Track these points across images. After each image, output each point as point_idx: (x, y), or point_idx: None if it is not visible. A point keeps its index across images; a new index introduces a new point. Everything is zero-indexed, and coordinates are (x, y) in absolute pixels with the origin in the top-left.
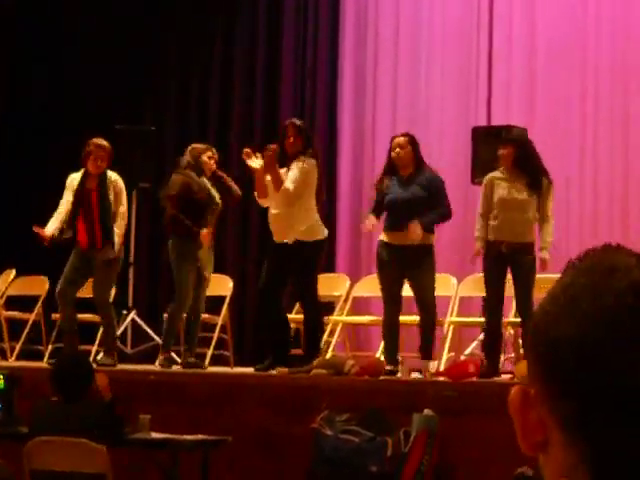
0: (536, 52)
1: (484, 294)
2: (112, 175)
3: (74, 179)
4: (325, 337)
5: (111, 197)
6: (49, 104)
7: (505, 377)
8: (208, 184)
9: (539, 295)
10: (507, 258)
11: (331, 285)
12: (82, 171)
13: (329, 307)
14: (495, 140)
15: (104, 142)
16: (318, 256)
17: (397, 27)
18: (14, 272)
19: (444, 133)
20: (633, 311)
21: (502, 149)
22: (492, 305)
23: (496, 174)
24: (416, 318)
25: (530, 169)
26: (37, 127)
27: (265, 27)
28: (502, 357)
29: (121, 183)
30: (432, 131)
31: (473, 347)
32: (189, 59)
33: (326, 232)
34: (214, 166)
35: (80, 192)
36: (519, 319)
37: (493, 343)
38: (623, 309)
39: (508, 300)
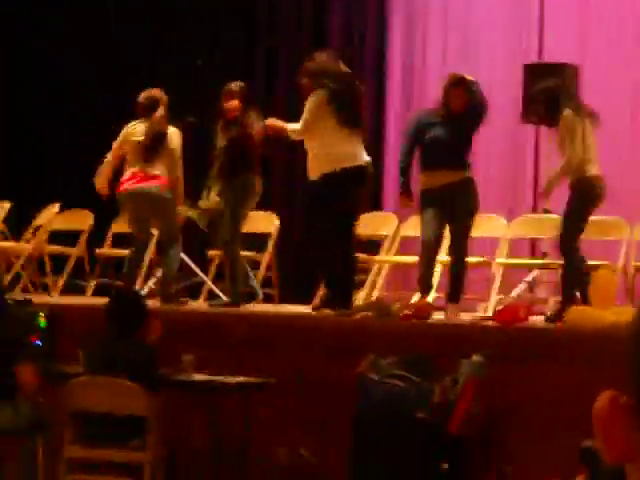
0: None
1: (533, 235)
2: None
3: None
4: (371, 277)
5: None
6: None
7: (553, 322)
8: None
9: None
10: None
11: (378, 224)
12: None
13: (376, 246)
14: (547, 78)
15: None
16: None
17: None
18: (58, 206)
19: (495, 69)
20: None
21: None
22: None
23: None
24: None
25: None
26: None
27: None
28: (551, 299)
29: None
30: (483, 67)
31: (521, 289)
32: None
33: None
34: None
35: None
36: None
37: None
38: None
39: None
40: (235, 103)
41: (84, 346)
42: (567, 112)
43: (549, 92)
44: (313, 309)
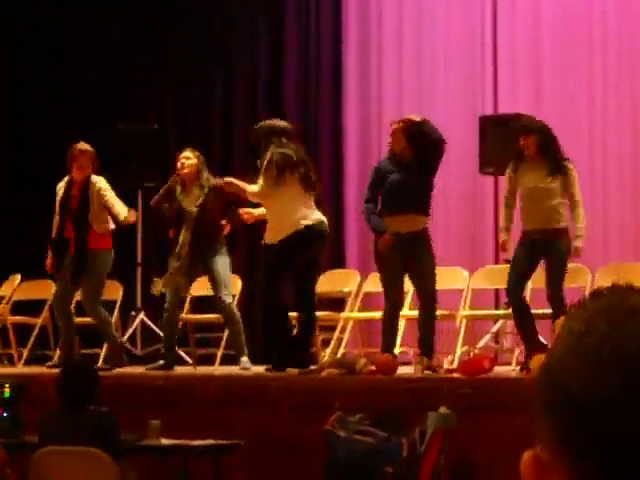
0: (542, 38)
1: (496, 286)
2: (94, 178)
3: (60, 188)
4: (336, 334)
5: (94, 201)
6: (49, 104)
7: (519, 372)
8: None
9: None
10: (540, 245)
11: (341, 281)
12: (67, 178)
13: (339, 303)
14: (503, 129)
15: (87, 146)
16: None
17: (401, 16)
18: (19, 277)
19: (450, 122)
20: None
21: (524, 139)
22: (513, 287)
23: (519, 164)
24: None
25: (553, 155)
26: (37, 127)
27: (267, 24)
28: (517, 350)
29: (103, 183)
30: (438, 120)
31: (487, 340)
32: (190, 56)
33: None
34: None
35: (65, 200)
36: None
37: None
38: None
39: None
40: (193, 162)
41: (40, 420)
42: (572, 166)
43: (546, 130)
44: (267, 370)
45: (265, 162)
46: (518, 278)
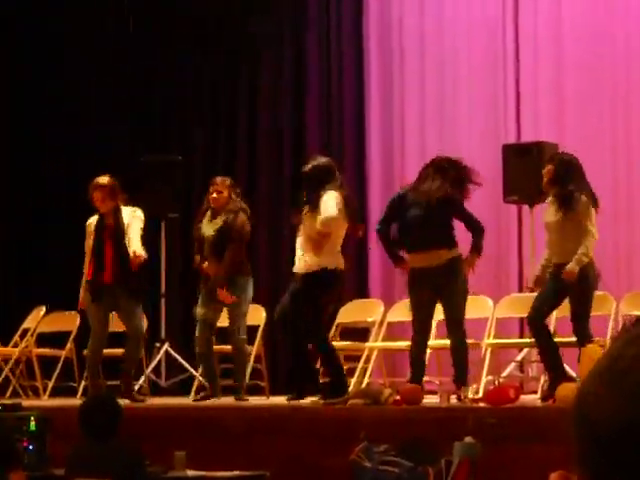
0: (564, 66)
1: (521, 315)
2: (126, 209)
3: (90, 224)
4: (361, 364)
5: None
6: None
7: (542, 401)
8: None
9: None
10: (562, 279)
11: (365, 311)
12: (97, 215)
13: (364, 333)
14: (526, 157)
15: (104, 180)
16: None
17: (423, 44)
18: (44, 309)
19: (473, 151)
20: None
21: (543, 169)
22: (534, 313)
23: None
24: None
25: (560, 188)
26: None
27: (290, 50)
28: (542, 378)
29: (138, 213)
30: (461, 149)
31: (512, 368)
32: (215, 85)
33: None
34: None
35: (99, 232)
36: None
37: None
38: None
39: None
40: (224, 195)
41: (70, 453)
42: (584, 198)
43: (564, 162)
44: (288, 399)
45: (333, 197)
46: (540, 305)
